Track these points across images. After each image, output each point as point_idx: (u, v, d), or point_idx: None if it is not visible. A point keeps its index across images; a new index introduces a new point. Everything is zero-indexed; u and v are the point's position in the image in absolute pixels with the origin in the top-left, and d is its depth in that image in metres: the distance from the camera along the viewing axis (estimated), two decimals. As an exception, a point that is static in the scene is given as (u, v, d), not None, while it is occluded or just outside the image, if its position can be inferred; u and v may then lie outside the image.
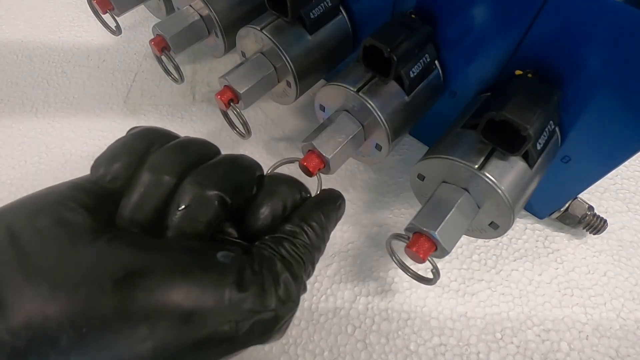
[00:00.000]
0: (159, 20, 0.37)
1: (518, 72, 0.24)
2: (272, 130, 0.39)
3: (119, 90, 0.41)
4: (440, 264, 0.30)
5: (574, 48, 0.22)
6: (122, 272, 0.16)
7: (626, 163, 0.26)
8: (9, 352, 0.15)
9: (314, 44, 0.31)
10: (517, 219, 0.33)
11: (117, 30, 0.37)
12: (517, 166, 0.23)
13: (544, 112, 0.21)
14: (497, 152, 0.23)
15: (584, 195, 0.31)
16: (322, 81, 0.36)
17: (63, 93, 0.41)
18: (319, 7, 0.30)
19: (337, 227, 0.32)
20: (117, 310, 0.16)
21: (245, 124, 0.31)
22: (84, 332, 0.15)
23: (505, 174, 0.23)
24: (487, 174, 0.22)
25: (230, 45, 0.35)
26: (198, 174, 0.20)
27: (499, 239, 0.33)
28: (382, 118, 0.26)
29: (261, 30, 0.29)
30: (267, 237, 0.20)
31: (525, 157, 0.23)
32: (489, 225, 0.25)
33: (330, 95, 0.28)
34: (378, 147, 0.29)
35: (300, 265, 0.20)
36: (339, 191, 0.24)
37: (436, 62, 0.29)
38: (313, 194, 0.24)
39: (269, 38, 0.29)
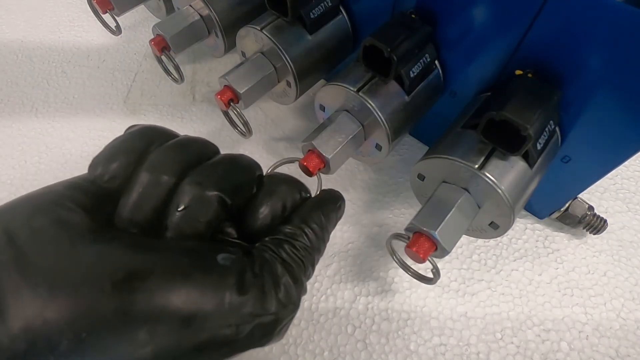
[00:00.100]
0: (159, 20, 0.37)
1: (518, 72, 0.24)
2: (272, 130, 0.39)
3: (119, 90, 0.41)
4: (440, 264, 0.30)
5: (574, 48, 0.22)
6: (121, 274, 0.16)
7: (626, 163, 0.26)
8: (8, 355, 0.15)
9: (314, 44, 0.31)
10: (517, 219, 0.33)
11: (117, 30, 0.37)
12: (517, 166, 0.23)
13: (544, 112, 0.21)
14: (497, 152, 0.23)
15: (584, 195, 0.31)
16: (322, 81, 0.36)
17: (63, 93, 0.41)
18: (319, 7, 0.30)
19: (337, 227, 0.32)
20: (117, 313, 0.16)
21: (246, 123, 0.31)
22: (83, 337, 0.15)
23: (506, 174, 0.23)
24: (487, 174, 0.22)
25: (230, 45, 0.35)
26: (197, 174, 0.20)
27: (499, 239, 0.33)
28: (382, 118, 0.26)
29: (261, 30, 0.29)
30: (267, 239, 0.20)
31: (526, 157, 0.23)
32: (489, 225, 0.25)
33: (331, 95, 0.28)
34: (378, 147, 0.29)
35: (301, 267, 0.20)
36: (339, 191, 0.24)
37: (436, 62, 0.29)
38: (313, 194, 0.24)
39: (269, 38, 0.29)
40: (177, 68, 0.34)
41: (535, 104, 0.22)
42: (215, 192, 0.19)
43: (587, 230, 0.32)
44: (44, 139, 0.38)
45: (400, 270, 0.28)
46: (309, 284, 0.30)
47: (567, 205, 0.31)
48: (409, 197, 0.35)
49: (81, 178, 0.20)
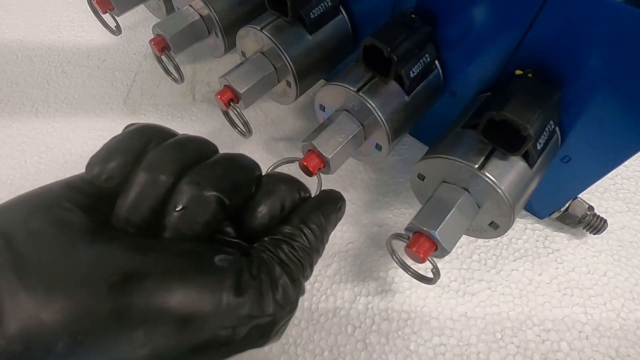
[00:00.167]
0: (159, 20, 0.37)
1: (518, 72, 0.24)
2: (272, 130, 0.39)
3: (119, 90, 0.41)
4: (440, 264, 0.30)
5: (574, 48, 0.22)
6: (118, 276, 0.16)
7: (626, 163, 0.26)
8: (4, 358, 0.15)
9: (314, 43, 0.31)
10: (517, 219, 0.33)
11: (117, 30, 0.37)
12: (517, 166, 0.23)
13: (544, 112, 0.21)
14: (497, 152, 0.23)
15: (584, 195, 0.31)
16: (322, 81, 0.36)
17: (63, 93, 0.41)
18: (319, 7, 0.30)
19: (337, 227, 0.32)
20: (114, 315, 0.16)
21: (246, 123, 0.31)
22: (79, 339, 0.15)
23: (506, 174, 0.23)
24: (487, 174, 0.22)
25: (230, 45, 0.35)
26: (196, 173, 0.19)
27: (499, 239, 0.33)
28: (382, 118, 0.26)
29: (261, 30, 0.29)
30: (266, 239, 0.20)
31: (526, 157, 0.23)
32: (489, 225, 0.25)
33: (331, 95, 0.28)
34: (378, 147, 0.29)
35: (299, 268, 0.20)
36: (339, 192, 0.24)
37: (436, 62, 0.29)
38: (313, 194, 0.24)
39: (269, 38, 0.29)
40: (177, 68, 0.34)
41: (535, 104, 0.22)
42: (214, 193, 0.19)
43: (587, 230, 0.32)
44: (44, 139, 0.38)
45: (400, 270, 0.28)
46: (309, 284, 0.30)
47: (567, 205, 0.31)
48: (409, 197, 0.35)
49: (78, 177, 0.19)
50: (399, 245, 0.25)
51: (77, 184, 0.19)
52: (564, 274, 0.31)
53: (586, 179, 0.27)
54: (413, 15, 0.27)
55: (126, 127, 0.22)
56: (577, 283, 0.31)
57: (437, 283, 0.27)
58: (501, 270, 0.31)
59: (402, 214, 0.34)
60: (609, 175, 0.26)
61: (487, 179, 0.22)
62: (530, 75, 0.24)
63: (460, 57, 0.28)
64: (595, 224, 0.31)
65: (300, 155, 0.28)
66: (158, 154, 0.20)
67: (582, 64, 0.22)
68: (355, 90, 0.26)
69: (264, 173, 0.23)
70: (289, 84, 0.32)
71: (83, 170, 0.20)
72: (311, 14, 0.30)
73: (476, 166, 0.23)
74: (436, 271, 0.25)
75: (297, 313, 0.29)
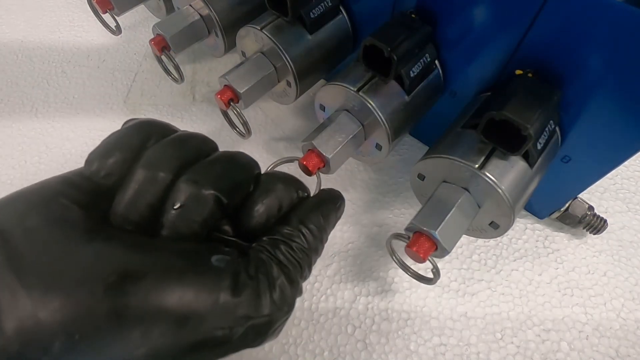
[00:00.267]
0: (159, 20, 0.37)
1: (518, 72, 0.24)
2: (272, 130, 0.39)
3: (119, 90, 0.41)
4: (440, 263, 0.30)
5: (574, 48, 0.22)
6: (115, 275, 0.16)
7: (626, 163, 0.26)
8: (1, 356, 0.15)
9: (314, 43, 0.31)
10: (517, 219, 0.33)
11: (117, 30, 0.37)
12: (517, 166, 0.23)
13: (544, 112, 0.21)
14: (498, 151, 0.23)
15: (584, 195, 0.31)
16: (322, 81, 0.36)
17: (63, 93, 0.41)
18: (319, 6, 0.30)
19: (337, 227, 0.32)
20: (111, 315, 0.15)
21: (245, 123, 0.31)
22: (77, 338, 0.15)
23: (506, 174, 0.23)
24: (488, 174, 0.22)
25: (230, 45, 0.35)
26: (194, 172, 0.19)
27: (499, 239, 0.33)
28: (382, 118, 0.26)
29: (261, 29, 0.29)
30: (264, 239, 0.20)
31: (526, 157, 0.23)
32: (489, 224, 0.25)
33: (331, 94, 0.28)
34: (378, 147, 0.29)
35: (297, 269, 0.20)
36: (338, 191, 0.24)
37: (436, 62, 0.29)
38: (312, 194, 0.24)
39: (269, 38, 0.29)
40: (177, 68, 0.34)
41: (535, 103, 0.22)
42: (212, 191, 0.19)
43: (587, 230, 0.32)
44: (44, 139, 0.38)
45: (400, 270, 0.28)
46: (309, 284, 0.30)
47: (567, 205, 0.31)
48: (409, 197, 0.35)
49: (75, 173, 0.19)
50: (399, 245, 0.25)
51: (75, 180, 0.19)
52: (564, 274, 0.31)
53: (586, 178, 0.27)
54: (413, 15, 0.27)
55: (125, 123, 0.22)
56: (577, 283, 0.31)
57: (437, 283, 0.27)
58: (501, 270, 0.31)
59: (402, 214, 0.34)
60: (609, 175, 0.26)
61: (487, 178, 0.22)
62: (530, 75, 0.24)
63: (460, 57, 0.28)
64: (595, 224, 0.31)
65: (300, 155, 0.28)
66: (157, 151, 0.20)
67: (582, 64, 0.22)
68: (355, 90, 0.26)
69: (263, 172, 0.23)
70: (289, 83, 0.32)
71: (83, 169, 0.20)
72: (311, 13, 0.30)
73: (476, 166, 0.23)
74: (436, 271, 0.25)
75: (297, 313, 0.29)
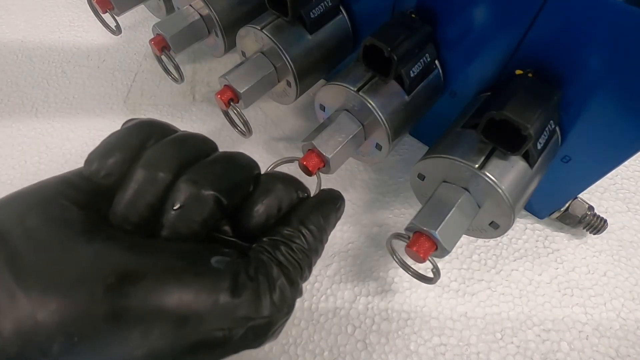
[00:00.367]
0: (159, 20, 0.37)
1: (518, 71, 0.24)
2: (272, 130, 0.39)
3: (119, 90, 0.41)
4: (440, 263, 0.30)
5: (574, 48, 0.22)
6: (114, 276, 0.16)
7: (626, 163, 0.26)
8: (1, 358, 0.15)
9: (314, 43, 0.31)
10: (517, 219, 0.33)
11: (117, 30, 0.37)
12: (517, 166, 0.23)
13: (544, 112, 0.21)
14: (498, 151, 0.23)
15: (584, 195, 0.31)
16: (322, 81, 0.36)
17: (63, 93, 0.41)
18: (319, 6, 0.30)
19: (337, 227, 0.32)
20: (109, 316, 0.15)
21: (246, 123, 0.31)
22: (75, 339, 0.15)
23: (506, 174, 0.23)
24: (488, 174, 0.22)
25: (230, 45, 0.35)
26: (194, 172, 0.19)
27: (499, 239, 0.33)
28: (382, 118, 0.26)
29: (261, 29, 0.29)
30: (264, 240, 0.20)
31: (526, 157, 0.23)
32: (490, 224, 0.25)
33: (331, 94, 0.28)
34: (378, 147, 0.29)
35: (297, 270, 0.20)
36: (338, 191, 0.24)
37: (436, 61, 0.29)
38: (312, 194, 0.24)
39: (269, 37, 0.29)
40: (177, 68, 0.34)
41: (535, 103, 0.22)
42: (212, 192, 0.19)
43: (587, 230, 0.32)
44: (44, 139, 0.38)
45: (400, 270, 0.28)
46: (309, 284, 0.30)
47: (567, 205, 0.31)
48: (409, 197, 0.35)
49: (75, 173, 0.19)
50: (399, 245, 0.25)
51: (74, 181, 0.19)
52: (564, 274, 0.31)
53: (586, 178, 0.27)
54: (413, 15, 0.27)
55: (125, 123, 0.22)
56: (577, 283, 0.31)
57: (437, 283, 0.27)
58: (501, 270, 0.31)
59: (402, 214, 0.34)
60: (609, 175, 0.26)
61: (487, 178, 0.22)
62: (530, 75, 0.24)
63: (460, 57, 0.28)
64: (595, 224, 0.31)
65: (301, 155, 0.27)
66: (157, 151, 0.20)
67: (582, 64, 0.22)
68: (355, 90, 0.26)
69: (263, 172, 0.23)
70: (289, 83, 0.32)
71: (83, 169, 0.20)
72: (311, 13, 0.30)
73: (476, 166, 0.23)
74: (436, 271, 0.25)
75: (297, 313, 0.29)
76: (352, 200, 0.35)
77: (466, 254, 0.32)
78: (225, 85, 0.30)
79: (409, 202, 0.35)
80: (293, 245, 0.20)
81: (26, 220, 0.17)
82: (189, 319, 0.16)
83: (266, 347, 0.28)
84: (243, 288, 0.18)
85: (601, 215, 0.32)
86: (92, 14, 0.36)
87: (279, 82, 0.32)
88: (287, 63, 0.30)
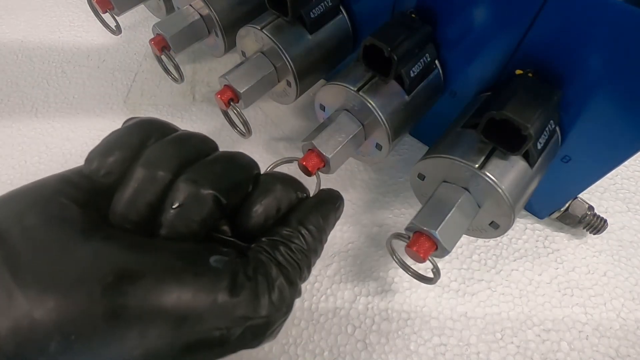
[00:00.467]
0: (159, 20, 0.37)
1: (518, 71, 0.24)
2: (272, 130, 0.39)
3: (119, 90, 0.41)
4: (440, 263, 0.30)
5: (574, 48, 0.22)
6: (113, 275, 0.16)
7: (626, 163, 0.26)
8: None
9: (314, 43, 0.31)
10: (517, 219, 0.33)
11: (117, 30, 0.37)
12: (517, 165, 0.23)
13: (544, 112, 0.21)
14: (498, 151, 0.23)
15: (584, 195, 0.31)
16: (322, 81, 0.36)
17: (63, 93, 0.41)
18: (319, 6, 0.30)
19: (337, 227, 0.32)
20: (107, 315, 0.15)
21: (245, 123, 0.31)
22: (73, 338, 0.15)
23: (506, 174, 0.23)
24: (488, 174, 0.22)
25: (230, 45, 0.35)
26: (194, 171, 0.19)
27: (499, 239, 0.33)
28: (382, 117, 0.26)
29: (261, 29, 0.29)
30: (263, 240, 0.20)
31: (526, 157, 0.23)
32: (490, 224, 0.25)
33: (331, 94, 0.28)
34: (378, 147, 0.29)
35: (296, 270, 0.20)
36: (337, 191, 0.24)
37: (436, 61, 0.29)
38: (312, 193, 0.24)
39: (269, 37, 0.29)
40: (177, 68, 0.34)
41: (535, 103, 0.22)
42: (211, 191, 0.19)
43: (587, 230, 0.32)
44: (44, 139, 0.38)
45: (400, 270, 0.28)
46: (309, 284, 0.30)
47: (567, 205, 0.31)
48: (409, 197, 0.35)
49: (75, 172, 0.19)
50: (399, 245, 0.25)
51: (74, 179, 0.19)
52: (564, 274, 0.31)
53: (586, 178, 0.27)
54: (413, 15, 0.27)
55: (126, 121, 0.22)
56: (577, 283, 0.31)
57: (437, 283, 0.27)
58: (501, 270, 0.31)
59: (402, 214, 0.34)
60: (609, 175, 0.26)
61: (487, 178, 0.22)
62: (530, 75, 0.24)
63: (460, 56, 0.28)
64: (595, 224, 0.31)
65: (300, 155, 0.27)
66: (157, 150, 0.20)
67: (582, 64, 0.22)
68: (355, 89, 0.26)
69: (262, 172, 0.23)
70: (289, 83, 0.32)
71: (83, 169, 0.20)
72: (311, 13, 0.30)
73: (476, 166, 0.23)
74: (436, 271, 0.25)
75: (297, 313, 0.29)
76: (352, 200, 0.35)
77: (466, 254, 0.32)
78: (225, 85, 0.30)
79: (409, 202, 0.35)
80: (292, 246, 0.20)
81: (25, 218, 0.17)
82: (187, 318, 0.16)
83: (266, 347, 0.28)
84: (241, 287, 0.18)
85: (601, 215, 0.32)
86: (92, 14, 0.36)
87: (279, 82, 0.32)
88: (287, 63, 0.30)
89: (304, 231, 0.21)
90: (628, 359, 0.28)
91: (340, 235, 0.33)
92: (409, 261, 0.27)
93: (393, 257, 0.27)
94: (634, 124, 0.22)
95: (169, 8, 0.39)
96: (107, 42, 0.45)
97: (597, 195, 0.35)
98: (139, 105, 0.40)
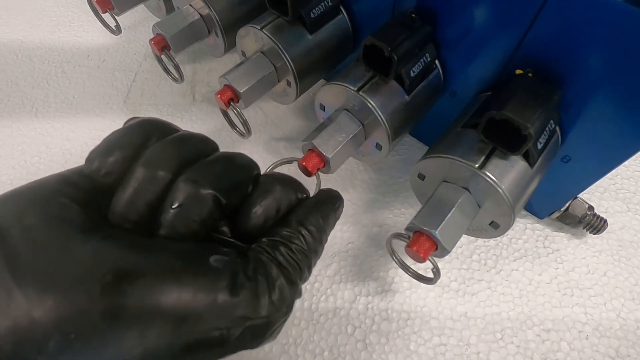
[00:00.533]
0: (159, 20, 0.37)
1: (518, 71, 0.24)
2: (272, 130, 0.39)
3: (119, 90, 0.41)
4: (440, 263, 0.30)
5: (574, 48, 0.22)
6: (112, 275, 0.16)
7: (626, 163, 0.26)
8: None
9: (314, 43, 0.31)
10: (517, 219, 0.33)
11: (117, 30, 0.37)
12: (517, 165, 0.23)
13: (544, 112, 0.21)
14: (498, 151, 0.23)
15: (584, 195, 0.31)
16: (322, 81, 0.36)
17: (63, 93, 0.41)
18: (319, 6, 0.30)
19: (337, 227, 0.32)
20: (106, 315, 0.15)
21: (245, 123, 0.31)
22: (72, 338, 0.15)
23: (506, 173, 0.23)
24: (488, 173, 0.22)
25: (230, 45, 0.35)
26: (193, 171, 0.19)
27: (499, 239, 0.33)
28: (382, 117, 0.26)
29: (261, 29, 0.29)
30: (263, 240, 0.20)
31: (526, 157, 0.23)
32: (490, 224, 0.25)
33: (331, 94, 0.28)
34: (378, 147, 0.29)
35: (297, 270, 0.20)
36: (337, 191, 0.24)
37: (436, 61, 0.29)
38: (312, 193, 0.24)
39: (269, 37, 0.29)
40: (177, 67, 0.34)
41: (535, 103, 0.22)
42: (210, 191, 0.19)
43: (587, 230, 0.32)
44: (44, 139, 0.38)
45: (400, 270, 0.28)
46: (309, 284, 0.30)
47: (567, 205, 0.31)
48: (409, 197, 0.35)
49: (75, 172, 0.19)
50: (399, 245, 0.25)
51: (74, 179, 0.19)
52: (564, 274, 0.31)
53: (586, 178, 0.27)
54: (413, 15, 0.27)
55: (127, 121, 0.22)
56: (577, 283, 0.31)
57: (437, 283, 0.27)
58: (501, 270, 0.31)
59: (402, 214, 0.34)
60: (609, 175, 0.26)
61: (487, 178, 0.22)
62: (530, 75, 0.24)
63: (460, 56, 0.28)
64: (595, 224, 0.31)
65: (301, 155, 0.27)
66: (157, 150, 0.20)
67: (582, 64, 0.22)
68: (355, 89, 0.26)
69: (262, 173, 0.23)
70: (289, 83, 0.32)
71: (83, 169, 0.20)
72: (311, 13, 0.30)
73: (476, 165, 0.23)
74: (436, 271, 0.25)
75: (297, 313, 0.29)
76: (352, 200, 0.35)
77: (466, 254, 0.32)
78: (225, 85, 0.30)
79: (409, 202, 0.35)
80: (292, 246, 0.20)
81: (25, 218, 0.17)
82: (187, 318, 0.16)
83: (266, 347, 0.28)
84: (241, 287, 0.18)
85: (601, 215, 0.32)
86: (92, 14, 0.36)
87: (279, 82, 0.32)
88: (287, 63, 0.30)
89: (304, 232, 0.21)
90: (628, 359, 0.28)
91: (340, 235, 0.33)
92: (409, 261, 0.27)
93: (393, 257, 0.27)
94: (634, 124, 0.22)
95: (169, 8, 0.39)
96: (107, 42, 0.45)
97: (597, 195, 0.35)
98: (139, 105, 0.40)
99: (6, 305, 0.15)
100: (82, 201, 0.18)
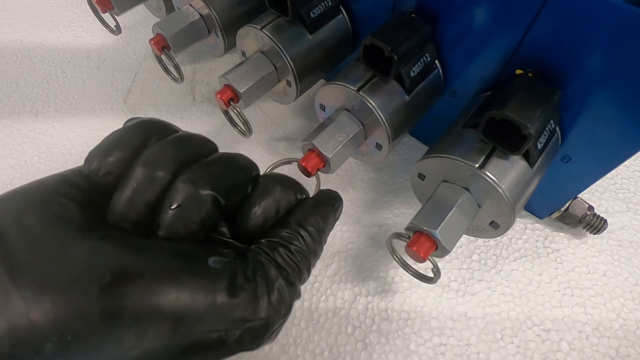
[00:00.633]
0: (159, 20, 0.37)
1: (518, 71, 0.24)
2: (272, 130, 0.39)
3: (119, 90, 0.41)
4: (440, 263, 0.30)
5: (574, 48, 0.22)
6: (110, 276, 0.16)
7: (626, 163, 0.26)
8: None
9: (314, 43, 0.31)
10: (517, 219, 0.33)
11: (117, 30, 0.37)
12: (517, 165, 0.23)
13: (544, 112, 0.21)
14: (498, 151, 0.23)
15: (584, 195, 0.31)
16: (322, 81, 0.36)
17: (63, 93, 0.41)
18: (319, 6, 0.30)
19: (337, 227, 0.32)
20: (104, 316, 0.15)
21: (246, 122, 0.31)
22: (69, 339, 0.15)
23: (506, 173, 0.23)
24: (488, 173, 0.22)
25: (230, 45, 0.35)
26: (193, 172, 0.19)
27: (499, 239, 0.33)
28: (382, 117, 0.26)
29: (261, 29, 0.29)
30: (263, 241, 0.20)
31: (526, 157, 0.23)
32: (490, 224, 0.25)
33: (331, 94, 0.28)
34: (378, 147, 0.29)
35: (296, 272, 0.20)
36: (336, 192, 0.24)
37: (436, 61, 0.29)
38: (312, 194, 0.24)
39: (269, 37, 0.29)
40: (177, 67, 0.34)
41: (535, 103, 0.22)
42: (209, 192, 0.19)
43: (587, 230, 0.32)
44: (44, 139, 0.38)
45: (400, 270, 0.28)
46: (309, 284, 0.30)
47: (567, 205, 0.31)
48: (409, 197, 0.35)
49: (74, 172, 0.19)
50: (399, 245, 0.25)
51: (73, 179, 0.19)
52: (564, 274, 0.31)
53: (586, 178, 0.27)
54: (413, 15, 0.27)
55: (127, 121, 0.22)
56: (577, 283, 0.31)
57: (437, 283, 0.27)
58: (501, 270, 0.31)
59: (402, 214, 0.34)
60: (609, 175, 0.26)
61: (487, 178, 0.22)
62: (530, 74, 0.24)
63: (460, 56, 0.28)
64: (595, 224, 0.31)
65: (301, 155, 0.27)
66: (156, 150, 0.20)
67: (583, 64, 0.22)
68: (355, 89, 0.26)
69: (262, 173, 0.23)
70: (289, 83, 0.32)
71: (83, 169, 0.20)
72: (311, 13, 0.30)
73: (477, 165, 0.23)
74: (437, 270, 0.25)
75: (297, 313, 0.29)
76: (352, 200, 0.35)
77: (466, 254, 0.32)
78: (225, 85, 0.29)
79: (409, 202, 0.35)
80: (291, 247, 0.20)
81: (23, 218, 0.17)
82: (185, 319, 0.16)
83: (266, 347, 0.28)
84: (240, 289, 0.18)
85: (601, 215, 0.32)
86: (92, 13, 0.36)
87: (279, 81, 0.32)
88: (287, 63, 0.30)
89: (303, 232, 0.21)
90: (628, 359, 0.28)
91: (340, 235, 0.33)
92: (409, 261, 0.27)
93: (394, 257, 0.27)
94: (634, 123, 0.22)
95: (169, 8, 0.39)
96: (107, 42, 0.45)
97: (597, 195, 0.35)
98: (139, 106, 0.40)
99: (4, 306, 0.15)
100: (81, 201, 0.18)
